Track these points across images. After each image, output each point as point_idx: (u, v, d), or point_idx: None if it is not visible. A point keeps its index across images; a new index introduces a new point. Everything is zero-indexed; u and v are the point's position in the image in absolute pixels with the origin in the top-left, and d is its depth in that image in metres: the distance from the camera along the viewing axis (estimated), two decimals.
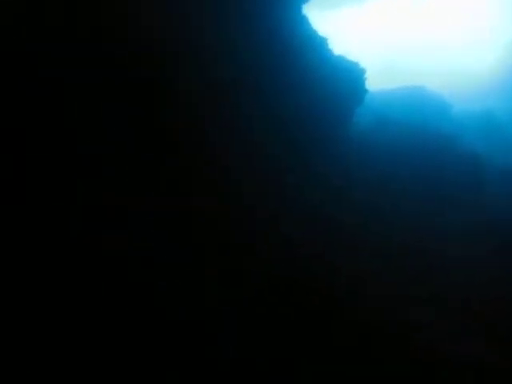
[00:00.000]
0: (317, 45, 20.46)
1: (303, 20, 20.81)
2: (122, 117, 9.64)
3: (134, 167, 9.49)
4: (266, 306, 8.31)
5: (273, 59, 17.44)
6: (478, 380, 7.19)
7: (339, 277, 9.95)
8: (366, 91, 21.64)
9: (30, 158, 8.19)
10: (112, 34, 9.62)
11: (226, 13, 15.68)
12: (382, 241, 12.69)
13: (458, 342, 8.05)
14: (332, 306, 8.66)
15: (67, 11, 9.22)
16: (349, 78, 20.91)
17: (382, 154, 19.96)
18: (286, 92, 17.00)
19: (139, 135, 9.90)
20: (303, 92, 18.18)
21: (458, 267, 11.30)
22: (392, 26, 57.13)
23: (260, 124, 15.34)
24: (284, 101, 16.69)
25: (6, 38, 8.41)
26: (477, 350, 7.76)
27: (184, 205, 9.78)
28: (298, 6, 20.49)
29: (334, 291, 9.22)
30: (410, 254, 12.04)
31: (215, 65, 13.80)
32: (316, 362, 7.23)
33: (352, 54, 23.91)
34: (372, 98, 23.31)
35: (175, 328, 7.57)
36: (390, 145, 20.63)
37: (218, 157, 11.65)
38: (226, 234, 10.01)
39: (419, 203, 16.53)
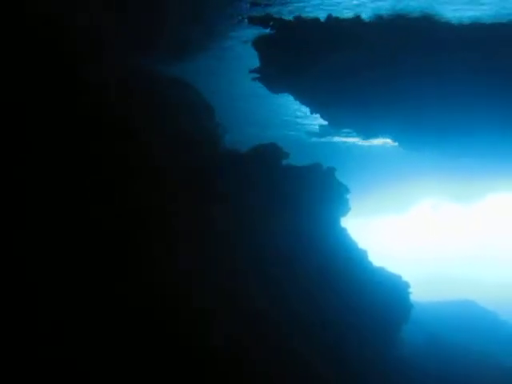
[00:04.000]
0: (355, 257, 20.03)
1: (341, 232, 20.81)
2: None
3: None
4: None
5: (308, 271, 17.04)
6: None
7: None
8: (411, 306, 20.41)
9: None
10: None
11: None
12: None
13: None
14: None
15: None
16: (391, 292, 19.92)
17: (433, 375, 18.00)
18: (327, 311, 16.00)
19: None
20: (342, 306, 17.26)
21: None
22: (436, 233, 57.66)
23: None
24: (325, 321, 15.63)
25: None
26: None
27: None
28: (337, 217, 20.71)
29: None
30: None
31: None
32: None
33: (394, 264, 23.31)
34: (418, 313, 21.80)
35: None
36: (440, 366, 18.74)
37: None
38: None
39: None
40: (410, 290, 20.65)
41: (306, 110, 22.45)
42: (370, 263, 20.53)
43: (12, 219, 8.57)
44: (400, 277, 20.95)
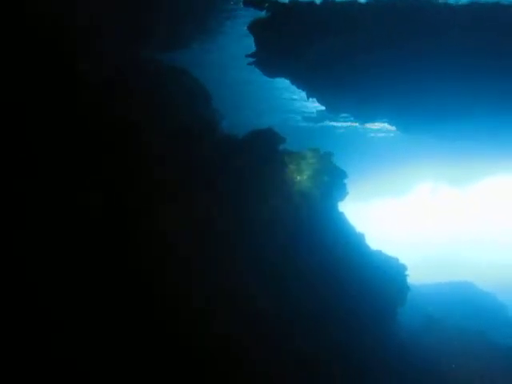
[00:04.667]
0: (352, 241, 20.02)
1: (338, 216, 20.76)
2: None
3: None
4: None
5: (307, 257, 17.04)
6: None
7: None
8: (408, 289, 20.50)
9: None
10: None
11: None
12: None
13: None
14: None
15: None
16: (389, 275, 19.98)
17: (431, 357, 18.12)
18: (326, 298, 16.04)
19: None
20: (341, 292, 17.31)
21: None
22: (434, 216, 57.66)
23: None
24: (324, 309, 15.68)
25: None
26: None
27: None
28: (334, 203, 20.65)
29: None
30: None
31: None
32: None
33: (391, 247, 23.37)
34: (417, 296, 21.92)
35: None
36: (437, 348, 18.87)
37: None
38: None
39: None
40: (408, 272, 20.72)
41: (302, 94, 22.19)
42: (368, 246, 20.56)
43: (12, 219, 8.48)
44: (397, 259, 21.00)
